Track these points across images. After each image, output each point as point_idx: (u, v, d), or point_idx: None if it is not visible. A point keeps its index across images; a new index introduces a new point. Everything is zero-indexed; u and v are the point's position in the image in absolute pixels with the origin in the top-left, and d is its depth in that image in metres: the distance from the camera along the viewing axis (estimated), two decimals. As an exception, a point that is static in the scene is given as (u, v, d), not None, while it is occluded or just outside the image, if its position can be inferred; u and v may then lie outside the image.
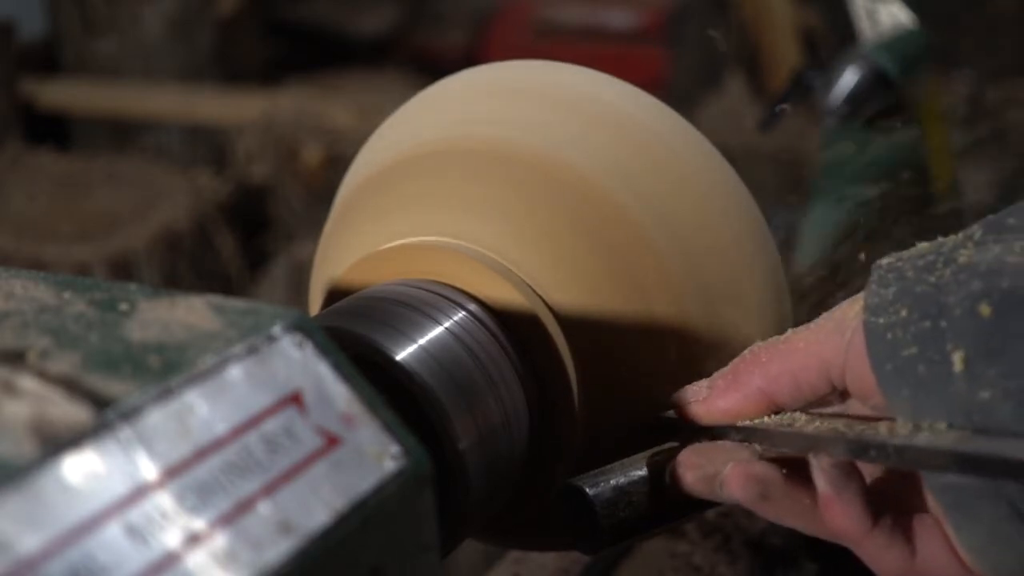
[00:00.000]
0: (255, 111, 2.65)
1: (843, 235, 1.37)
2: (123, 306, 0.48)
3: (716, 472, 0.57)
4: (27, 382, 0.41)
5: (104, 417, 0.40)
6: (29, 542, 0.37)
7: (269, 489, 0.42)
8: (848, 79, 1.34)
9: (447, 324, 0.62)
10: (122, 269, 2.26)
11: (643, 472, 0.60)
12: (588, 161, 0.65)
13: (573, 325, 0.64)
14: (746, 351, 0.59)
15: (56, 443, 0.39)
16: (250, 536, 0.41)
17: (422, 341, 0.60)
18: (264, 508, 0.42)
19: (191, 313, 0.47)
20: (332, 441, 0.45)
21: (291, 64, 3.40)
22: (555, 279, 0.64)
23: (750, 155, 1.92)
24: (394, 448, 0.46)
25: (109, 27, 2.95)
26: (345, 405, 0.46)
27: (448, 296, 0.64)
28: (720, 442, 0.59)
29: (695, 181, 0.66)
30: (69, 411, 0.40)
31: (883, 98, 1.35)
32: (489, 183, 0.66)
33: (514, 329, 0.64)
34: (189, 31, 2.99)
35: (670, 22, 3.32)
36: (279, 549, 0.41)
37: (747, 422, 0.58)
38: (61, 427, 0.40)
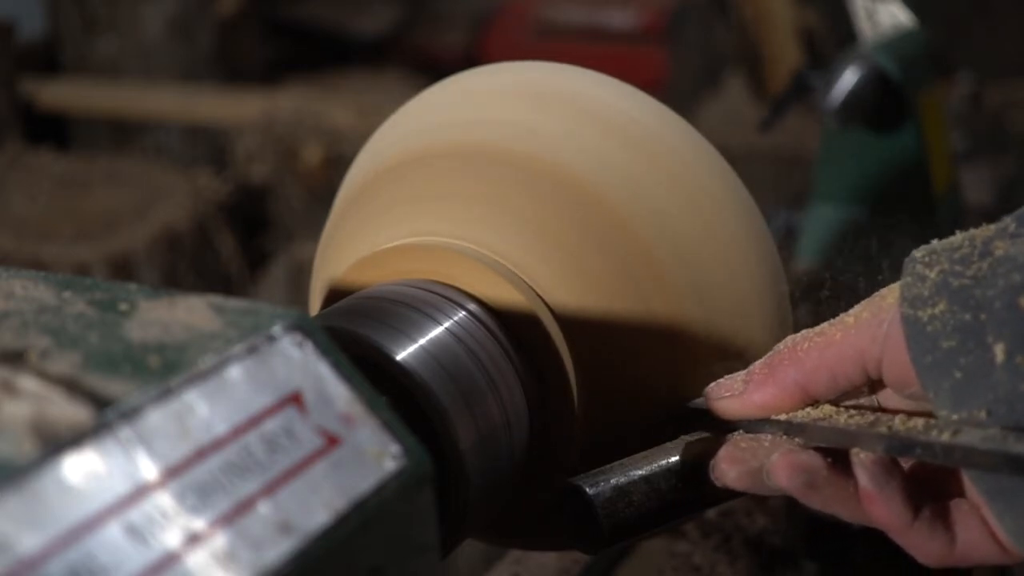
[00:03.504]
0: (255, 111, 2.65)
1: (843, 235, 1.37)
2: (123, 306, 0.48)
3: (759, 466, 0.57)
4: (27, 382, 0.41)
5: (104, 417, 0.40)
6: (29, 542, 0.37)
7: (269, 489, 0.42)
8: (848, 79, 1.34)
9: (447, 324, 0.62)
10: (122, 269, 2.26)
11: (643, 472, 0.60)
12: (587, 162, 0.65)
13: (573, 325, 0.64)
14: (780, 344, 0.59)
15: (56, 443, 0.39)
16: (250, 536, 0.41)
17: (422, 341, 0.60)
18: (264, 508, 0.42)
19: (191, 313, 0.47)
20: (332, 441, 0.45)
21: (291, 64, 3.40)
22: (555, 279, 0.64)
23: (750, 155, 1.92)
24: (394, 448, 0.46)
25: (109, 27, 2.95)
26: (345, 405, 0.46)
27: (448, 296, 0.64)
28: (759, 435, 0.59)
29: (694, 182, 0.66)
30: (69, 411, 0.40)
31: (883, 98, 1.35)
32: (489, 184, 0.66)
33: (514, 329, 0.64)
34: (189, 31, 2.99)
35: (670, 22, 3.32)
36: (279, 549, 0.41)
37: (783, 416, 0.58)
38: (61, 427, 0.40)
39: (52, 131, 2.86)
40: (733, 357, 0.65)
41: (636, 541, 0.81)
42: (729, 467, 0.58)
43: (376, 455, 0.46)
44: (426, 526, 0.48)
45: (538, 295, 0.64)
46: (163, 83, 2.92)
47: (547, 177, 0.65)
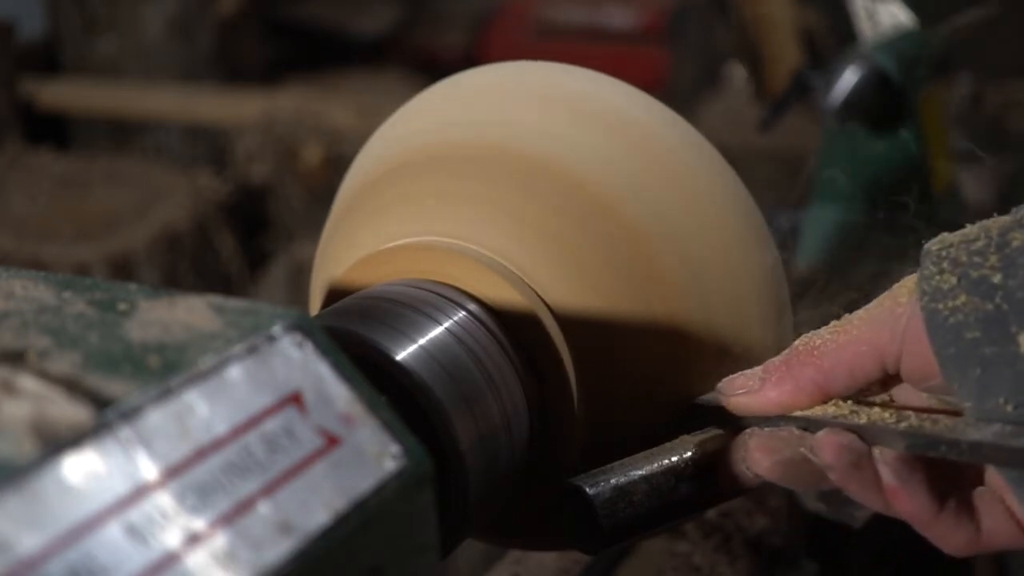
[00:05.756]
0: (255, 111, 2.65)
1: (843, 235, 1.37)
2: (123, 306, 0.48)
3: (791, 456, 0.57)
4: (27, 382, 0.41)
5: (104, 417, 0.40)
6: (29, 542, 0.37)
7: (269, 489, 0.42)
8: (848, 79, 1.34)
9: (447, 324, 0.62)
10: (122, 269, 2.26)
11: (643, 472, 0.60)
12: (587, 161, 0.65)
13: (573, 325, 0.64)
14: (797, 342, 0.60)
15: (56, 443, 0.39)
16: (250, 536, 0.41)
17: (422, 341, 0.60)
18: (264, 508, 0.42)
19: (191, 313, 0.47)
20: (332, 441, 0.45)
21: (291, 64, 3.40)
22: (555, 279, 0.64)
23: (750, 155, 1.92)
24: (394, 448, 0.46)
25: (109, 27, 2.95)
26: (345, 405, 0.46)
27: (448, 296, 0.64)
28: (785, 429, 0.59)
29: (694, 181, 0.66)
30: (69, 411, 0.40)
31: (883, 98, 1.35)
32: (489, 184, 0.66)
33: (514, 329, 0.64)
34: (189, 31, 2.99)
35: (670, 22, 3.32)
36: (279, 549, 0.41)
37: (800, 413, 0.58)
38: (61, 427, 0.40)
39: (52, 131, 2.86)
40: (733, 357, 0.65)
41: (636, 541, 0.80)
42: (763, 456, 0.58)
43: (376, 455, 0.46)
44: (426, 526, 0.48)
45: (538, 295, 0.64)
46: (163, 83, 2.91)
47: (547, 177, 0.65)
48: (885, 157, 1.39)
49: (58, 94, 2.90)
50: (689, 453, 0.61)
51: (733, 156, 0.69)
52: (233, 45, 3.16)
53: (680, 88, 3.04)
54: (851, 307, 0.59)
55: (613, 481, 0.60)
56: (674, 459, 0.61)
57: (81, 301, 0.49)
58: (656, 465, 0.61)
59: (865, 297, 0.60)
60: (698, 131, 0.68)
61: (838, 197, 1.41)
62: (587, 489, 0.60)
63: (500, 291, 0.64)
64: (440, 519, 0.49)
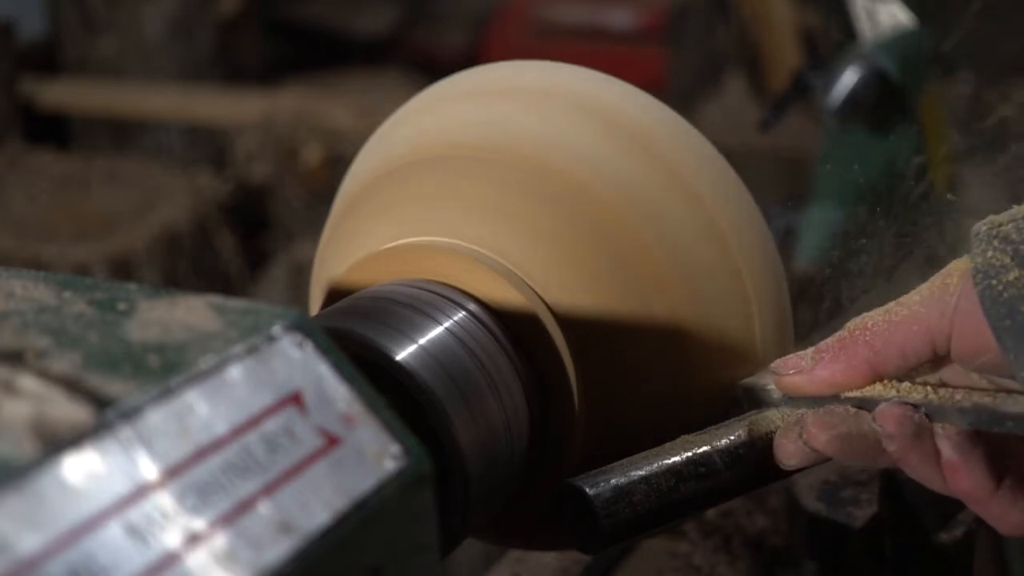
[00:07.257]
0: (255, 111, 2.65)
1: (843, 235, 1.37)
2: (123, 306, 0.48)
3: (848, 431, 0.58)
4: (27, 382, 0.41)
5: (104, 417, 0.41)
6: (29, 542, 0.37)
7: (269, 489, 0.42)
8: (848, 79, 1.34)
9: (447, 324, 0.62)
10: (122, 269, 2.26)
11: (643, 472, 0.61)
12: (587, 161, 0.65)
13: (573, 325, 0.64)
14: (849, 324, 0.60)
15: (56, 443, 0.39)
16: (250, 536, 0.41)
17: (422, 341, 0.60)
18: (264, 508, 0.42)
19: (191, 313, 0.47)
20: (332, 441, 0.45)
21: (291, 64, 3.40)
22: (554, 279, 0.64)
23: (750, 155, 1.92)
24: (394, 448, 0.46)
25: (109, 27, 2.95)
26: (345, 405, 0.46)
27: (448, 296, 0.64)
28: (841, 406, 0.59)
29: (694, 181, 0.66)
30: (69, 411, 0.40)
31: (883, 98, 1.35)
32: (489, 184, 0.66)
33: (514, 329, 0.64)
34: (189, 31, 2.99)
35: (670, 22, 3.32)
36: (279, 549, 0.41)
37: (855, 393, 0.59)
38: (61, 427, 0.40)
39: (52, 131, 2.86)
40: (733, 356, 0.65)
41: (636, 541, 0.80)
42: (820, 431, 0.59)
43: (376, 455, 0.46)
44: (426, 526, 0.48)
45: (538, 295, 0.64)
46: (163, 83, 2.91)
47: (547, 177, 0.65)
48: (884, 157, 1.39)
49: (58, 94, 2.90)
50: (688, 453, 0.61)
51: (733, 156, 0.69)
52: (233, 45, 3.16)
53: (680, 88, 3.04)
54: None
55: (613, 481, 0.60)
56: (674, 459, 0.61)
57: (81, 301, 0.49)
58: (656, 465, 0.61)
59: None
60: (698, 131, 0.68)
61: (838, 197, 1.41)
62: (587, 489, 0.60)
63: (500, 291, 0.64)
64: (440, 519, 0.49)
